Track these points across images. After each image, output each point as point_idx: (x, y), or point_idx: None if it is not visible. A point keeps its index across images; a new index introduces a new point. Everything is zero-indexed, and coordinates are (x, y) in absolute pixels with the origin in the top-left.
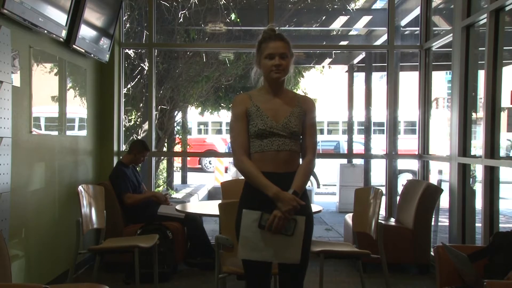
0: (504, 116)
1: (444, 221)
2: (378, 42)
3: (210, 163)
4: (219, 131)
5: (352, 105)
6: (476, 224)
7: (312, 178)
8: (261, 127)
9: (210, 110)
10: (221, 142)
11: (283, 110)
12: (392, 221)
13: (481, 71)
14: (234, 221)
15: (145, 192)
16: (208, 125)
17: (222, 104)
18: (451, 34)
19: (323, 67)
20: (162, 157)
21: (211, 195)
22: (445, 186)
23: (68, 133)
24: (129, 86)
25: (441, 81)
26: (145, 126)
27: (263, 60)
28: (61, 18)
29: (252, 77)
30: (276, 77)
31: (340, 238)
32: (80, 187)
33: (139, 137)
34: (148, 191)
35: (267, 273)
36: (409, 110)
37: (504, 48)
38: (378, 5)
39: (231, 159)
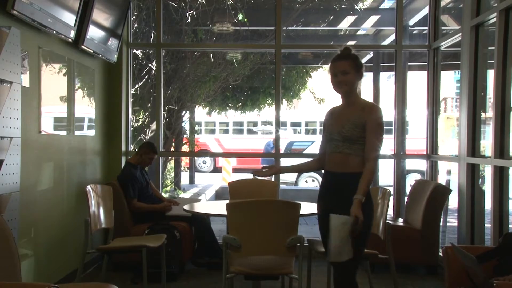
0: None
1: (452, 221)
2: (386, 41)
3: (205, 163)
4: (212, 131)
5: None
6: (485, 225)
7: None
8: (327, 133)
9: (217, 110)
10: (214, 142)
11: (344, 118)
12: (400, 221)
13: (490, 71)
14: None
15: (152, 193)
16: (201, 125)
17: (229, 104)
18: (460, 34)
19: None
20: (169, 157)
21: (218, 195)
22: (454, 187)
23: (77, 133)
24: (137, 86)
25: (449, 81)
26: (153, 126)
27: (331, 78)
28: (70, 19)
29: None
30: (338, 92)
31: None
32: (88, 187)
33: (147, 137)
34: (156, 191)
35: None
36: (415, 110)
37: None
38: (386, 4)
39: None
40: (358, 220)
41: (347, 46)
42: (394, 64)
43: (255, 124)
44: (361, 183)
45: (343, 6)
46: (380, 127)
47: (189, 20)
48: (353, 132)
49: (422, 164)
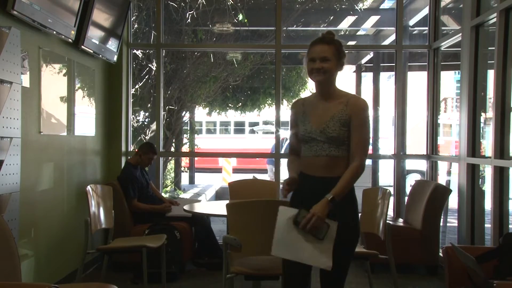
0: None
1: (453, 221)
2: (386, 42)
3: None
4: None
5: None
6: (485, 225)
7: None
8: (302, 132)
9: (217, 111)
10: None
11: (325, 115)
12: (400, 221)
13: (490, 71)
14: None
15: (153, 193)
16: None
17: (229, 104)
18: (460, 34)
19: None
20: (170, 157)
21: (218, 195)
22: (454, 187)
23: (77, 133)
24: (137, 86)
25: (449, 81)
26: (153, 126)
27: (308, 62)
28: (70, 19)
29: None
30: (313, 80)
31: None
32: (88, 187)
33: (147, 137)
34: (156, 191)
35: (305, 273)
36: (415, 110)
37: None
38: (386, 4)
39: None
40: (311, 219)
41: (330, 30)
42: (394, 64)
43: (226, 124)
44: (339, 183)
45: (343, 6)
46: (367, 123)
47: (189, 20)
48: (340, 131)
49: (422, 164)
